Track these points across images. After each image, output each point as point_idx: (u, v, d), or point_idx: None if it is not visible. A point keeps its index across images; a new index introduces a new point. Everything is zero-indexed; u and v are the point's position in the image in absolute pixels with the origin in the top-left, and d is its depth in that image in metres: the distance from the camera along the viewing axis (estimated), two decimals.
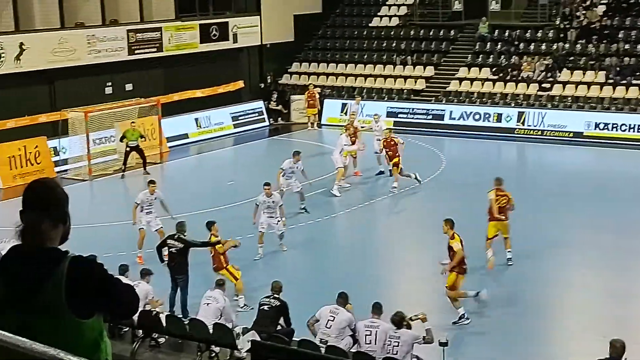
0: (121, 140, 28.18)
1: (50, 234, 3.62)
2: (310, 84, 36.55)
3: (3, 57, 27.69)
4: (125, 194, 26.97)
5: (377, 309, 13.11)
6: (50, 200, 3.65)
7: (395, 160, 24.60)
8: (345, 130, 26.21)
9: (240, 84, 35.96)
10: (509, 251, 18.40)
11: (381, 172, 26.53)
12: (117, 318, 5.10)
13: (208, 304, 14.12)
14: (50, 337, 3.32)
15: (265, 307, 13.75)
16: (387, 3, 40.61)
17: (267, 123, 36.14)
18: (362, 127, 28.25)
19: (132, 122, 28.35)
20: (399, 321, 12.61)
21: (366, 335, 12.76)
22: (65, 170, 27.94)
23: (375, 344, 12.63)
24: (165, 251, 16.44)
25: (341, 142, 25.18)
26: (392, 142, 24.82)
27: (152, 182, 20.02)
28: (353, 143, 25.49)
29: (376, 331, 12.73)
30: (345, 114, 34.56)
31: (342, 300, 13.43)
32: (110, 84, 31.76)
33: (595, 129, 31.08)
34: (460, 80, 35.42)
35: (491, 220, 18.30)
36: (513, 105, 33.33)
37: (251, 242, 19.31)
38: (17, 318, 3.52)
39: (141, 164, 27.94)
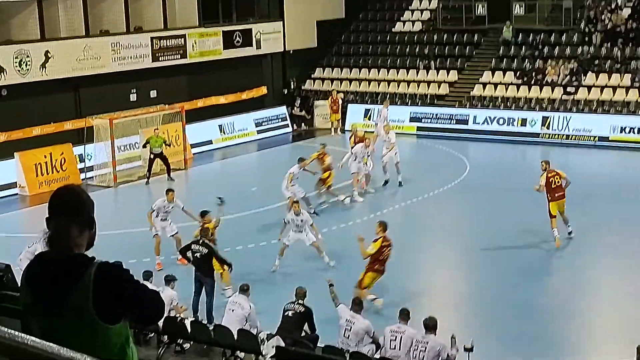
0: (144, 146, 28.34)
1: (77, 239, 3.65)
2: (334, 89, 36.59)
3: (29, 65, 27.91)
4: (150, 200, 27.06)
5: (404, 315, 13.06)
6: (77, 206, 3.68)
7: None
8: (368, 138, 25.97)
9: (263, 90, 36.08)
10: (569, 225, 19.92)
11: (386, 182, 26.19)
12: (143, 324, 5.11)
13: (233, 309, 14.12)
14: (76, 342, 3.34)
15: (290, 313, 13.75)
16: (410, 8, 40.58)
17: (290, 129, 36.20)
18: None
19: (156, 129, 28.48)
20: (433, 326, 12.49)
21: (391, 340, 12.72)
22: (91, 177, 28.08)
23: (400, 349, 12.59)
24: (190, 255, 16.46)
25: (359, 148, 24.95)
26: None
27: (170, 190, 20.14)
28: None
29: (401, 336, 12.68)
30: (370, 118, 34.56)
31: (357, 307, 13.40)
32: (134, 90, 31.95)
33: (620, 132, 30.87)
34: (484, 84, 35.30)
35: (552, 200, 19.53)
36: (537, 109, 33.18)
37: (270, 250, 19.36)
38: (44, 323, 3.55)
39: (165, 170, 28.06)
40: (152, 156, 27.72)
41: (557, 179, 19.62)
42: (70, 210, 3.66)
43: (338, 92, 36.30)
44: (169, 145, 28.57)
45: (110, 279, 3.55)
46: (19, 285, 3.74)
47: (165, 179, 27.74)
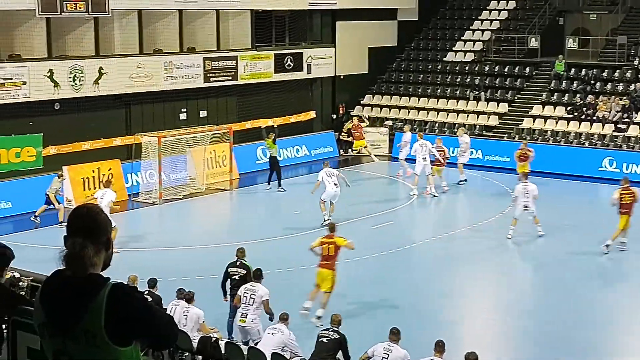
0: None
1: (93, 260, 3.68)
2: (356, 116, 36.17)
3: (82, 80, 28.38)
4: (194, 219, 27.31)
5: (393, 335, 13.17)
6: (94, 227, 3.72)
7: None
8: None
9: (312, 114, 36.22)
10: (624, 241, 21.95)
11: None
12: (155, 347, 5.10)
13: (273, 333, 14.15)
14: None
15: (324, 340, 13.71)
16: (463, 38, 40.54)
17: (337, 154, 36.26)
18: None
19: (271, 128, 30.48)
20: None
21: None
22: (137, 194, 28.38)
23: None
24: (228, 283, 16.48)
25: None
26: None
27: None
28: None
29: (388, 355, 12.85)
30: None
31: (395, 336, 13.32)
32: (184, 110, 32.29)
33: None
34: (534, 117, 35.06)
35: (622, 214, 21.59)
36: (587, 145, 32.83)
37: (308, 274, 19.34)
38: (57, 342, 3.59)
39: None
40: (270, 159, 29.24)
41: (627, 197, 21.58)
42: (87, 230, 3.70)
43: (361, 118, 36.12)
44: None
45: (123, 302, 3.57)
46: (34, 303, 3.79)
47: (215, 196, 27.94)
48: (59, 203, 24.63)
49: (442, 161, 29.07)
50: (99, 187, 26.98)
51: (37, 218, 24.53)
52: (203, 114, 32.84)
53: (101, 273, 3.72)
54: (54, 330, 3.61)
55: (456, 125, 36.51)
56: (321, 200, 24.29)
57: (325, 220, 23.49)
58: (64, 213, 24.40)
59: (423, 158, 28.27)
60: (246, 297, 15.15)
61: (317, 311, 16.95)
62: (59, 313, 3.60)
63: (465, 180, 30.09)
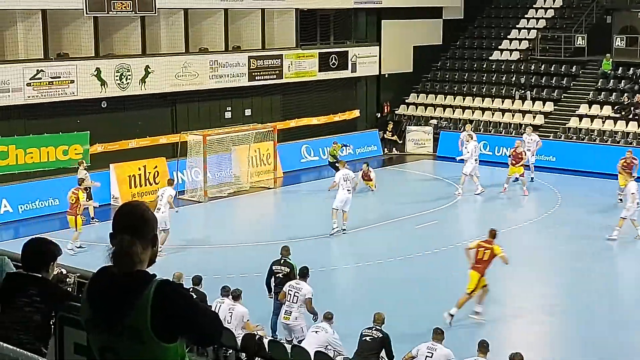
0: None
1: (139, 256, 3.71)
2: (365, 163, 30.88)
3: (129, 79, 28.67)
4: (239, 217, 27.47)
5: (438, 335, 13.26)
6: (141, 224, 3.75)
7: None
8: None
9: (356, 112, 36.23)
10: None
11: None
12: (200, 344, 5.12)
13: (317, 332, 14.18)
14: (133, 358, 3.42)
15: (367, 339, 13.70)
16: (509, 37, 40.25)
17: (381, 152, 36.20)
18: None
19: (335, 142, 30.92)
20: None
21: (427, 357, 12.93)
22: (182, 192, 28.60)
23: None
24: (273, 281, 16.55)
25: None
26: None
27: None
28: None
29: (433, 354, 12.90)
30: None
31: (439, 336, 13.29)
32: (229, 108, 32.47)
33: None
34: (581, 117, 34.71)
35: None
36: (635, 144, 32.42)
37: (349, 274, 19.36)
38: (103, 338, 3.63)
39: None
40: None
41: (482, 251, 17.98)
42: (134, 227, 3.73)
43: (369, 165, 34.08)
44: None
45: (169, 298, 3.59)
46: (81, 299, 3.83)
47: (256, 194, 28.07)
48: (90, 199, 24.73)
49: (515, 162, 28.56)
50: (145, 184, 27.36)
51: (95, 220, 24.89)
52: (248, 112, 33.00)
53: (147, 270, 3.75)
54: (100, 326, 3.65)
55: (501, 124, 36.30)
56: (333, 208, 23.69)
57: (333, 229, 23.25)
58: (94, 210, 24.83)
59: (476, 159, 28.39)
60: (290, 294, 15.22)
61: (475, 307, 17.14)
62: (106, 309, 3.63)
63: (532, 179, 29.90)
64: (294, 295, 15.19)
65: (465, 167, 28.26)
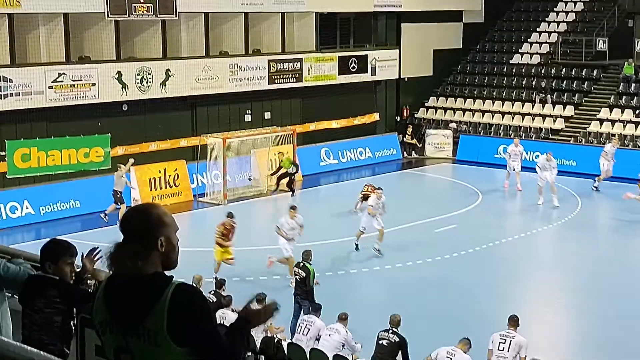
0: (278, 170, 29.29)
1: (134, 260, 3.69)
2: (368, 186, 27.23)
3: (150, 82, 28.81)
4: (258, 219, 27.51)
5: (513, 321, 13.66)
6: (139, 227, 3.74)
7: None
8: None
9: (375, 116, 36.25)
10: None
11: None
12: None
13: (330, 334, 14.21)
14: None
15: (384, 342, 13.70)
16: (529, 40, 40.15)
17: (400, 156, 36.19)
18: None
19: (280, 152, 29.76)
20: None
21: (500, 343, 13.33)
22: (202, 194, 28.70)
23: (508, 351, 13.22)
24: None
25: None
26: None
27: (293, 207, 20.31)
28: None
29: (510, 341, 13.25)
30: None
31: (463, 346, 13.17)
32: (249, 111, 32.56)
33: None
34: (601, 121, 34.56)
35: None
36: None
37: (361, 278, 19.36)
38: (118, 340, 3.65)
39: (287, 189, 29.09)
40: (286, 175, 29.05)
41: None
42: (134, 231, 3.73)
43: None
44: (297, 166, 29.43)
45: (185, 301, 3.60)
46: (96, 301, 3.83)
47: (273, 198, 28.13)
48: (123, 202, 24.80)
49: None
50: (166, 187, 27.53)
51: (107, 216, 24.92)
52: (267, 115, 33.08)
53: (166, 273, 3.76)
54: (117, 327, 3.67)
55: (521, 128, 36.19)
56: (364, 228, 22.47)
57: (356, 246, 22.24)
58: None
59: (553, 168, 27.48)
60: (301, 327, 14.82)
61: None
62: (122, 311, 3.65)
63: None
64: (306, 328, 14.91)
65: (540, 179, 27.39)
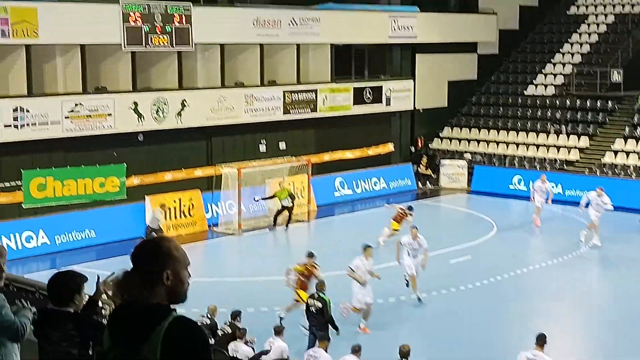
0: (271, 197, 29.09)
1: (147, 289, 3.75)
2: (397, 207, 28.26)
3: (165, 112, 28.98)
4: (273, 249, 27.52)
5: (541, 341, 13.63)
6: (146, 259, 3.80)
7: None
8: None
9: (390, 146, 36.29)
10: None
11: None
12: None
13: None
14: None
15: None
16: (544, 72, 40.21)
17: (415, 187, 36.19)
18: None
19: (280, 182, 29.27)
20: None
21: None
22: (217, 224, 28.74)
23: None
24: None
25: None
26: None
27: (414, 227, 20.90)
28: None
29: None
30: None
31: (541, 342, 13.47)
32: (264, 142, 32.67)
33: None
34: (616, 152, 34.50)
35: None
36: None
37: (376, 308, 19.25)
38: None
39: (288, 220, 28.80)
40: (280, 207, 28.69)
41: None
42: (140, 262, 3.80)
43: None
44: (294, 198, 29.08)
45: (182, 335, 3.64)
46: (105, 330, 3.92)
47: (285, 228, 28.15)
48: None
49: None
50: (181, 217, 27.63)
51: None
52: (282, 145, 33.19)
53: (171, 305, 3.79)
54: (118, 356, 3.74)
55: (536, 159, 36.17)
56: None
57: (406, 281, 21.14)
58: None
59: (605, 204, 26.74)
60: None
61: None
62: (122, 339, 3.73)
63: None
64: None
65: (592, 216, 26.71)
